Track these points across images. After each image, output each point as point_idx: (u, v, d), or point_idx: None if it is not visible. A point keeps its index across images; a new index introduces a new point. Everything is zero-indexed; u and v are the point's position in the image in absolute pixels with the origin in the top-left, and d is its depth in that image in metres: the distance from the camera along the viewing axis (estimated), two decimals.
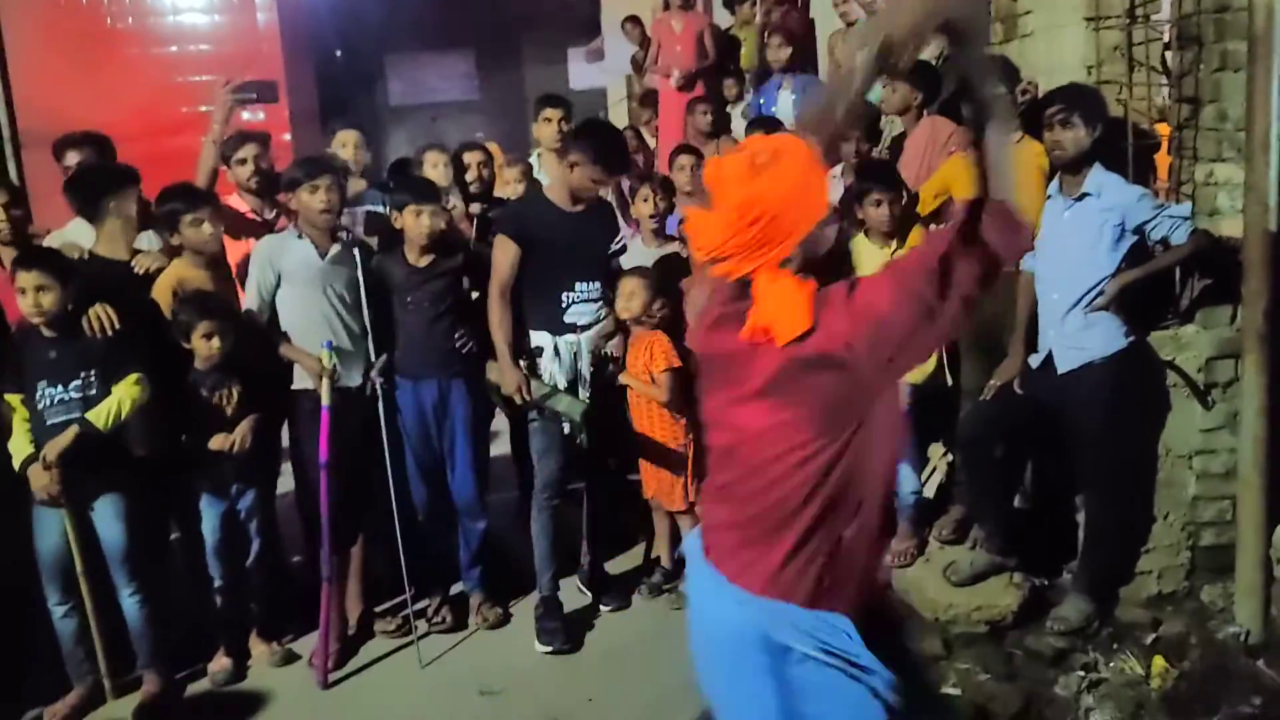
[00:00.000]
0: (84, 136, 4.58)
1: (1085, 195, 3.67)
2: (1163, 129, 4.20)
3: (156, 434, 3.73)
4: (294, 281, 3.90)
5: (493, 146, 5.60)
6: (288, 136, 9.23)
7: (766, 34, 7.53)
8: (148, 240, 4.09)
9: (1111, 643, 3.67)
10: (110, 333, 3.57)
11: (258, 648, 3.99)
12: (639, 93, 9.09)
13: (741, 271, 1.97)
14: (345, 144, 4.69)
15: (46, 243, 4.05)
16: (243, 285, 4.04)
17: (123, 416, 3.53)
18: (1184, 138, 3.93)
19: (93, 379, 3.55)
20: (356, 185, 4.59)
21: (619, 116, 10.48)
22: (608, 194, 5.39)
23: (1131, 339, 3.71)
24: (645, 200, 4.62)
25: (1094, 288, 3.65)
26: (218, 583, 3.85)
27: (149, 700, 3.68)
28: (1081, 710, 3.40)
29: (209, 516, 3.81)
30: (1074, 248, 3.68)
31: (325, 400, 3.77)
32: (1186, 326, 3.87)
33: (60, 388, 3.52)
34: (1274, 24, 3.36)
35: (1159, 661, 3.54)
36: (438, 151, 4.80)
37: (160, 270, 3.89)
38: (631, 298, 4.13)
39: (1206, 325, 3.84)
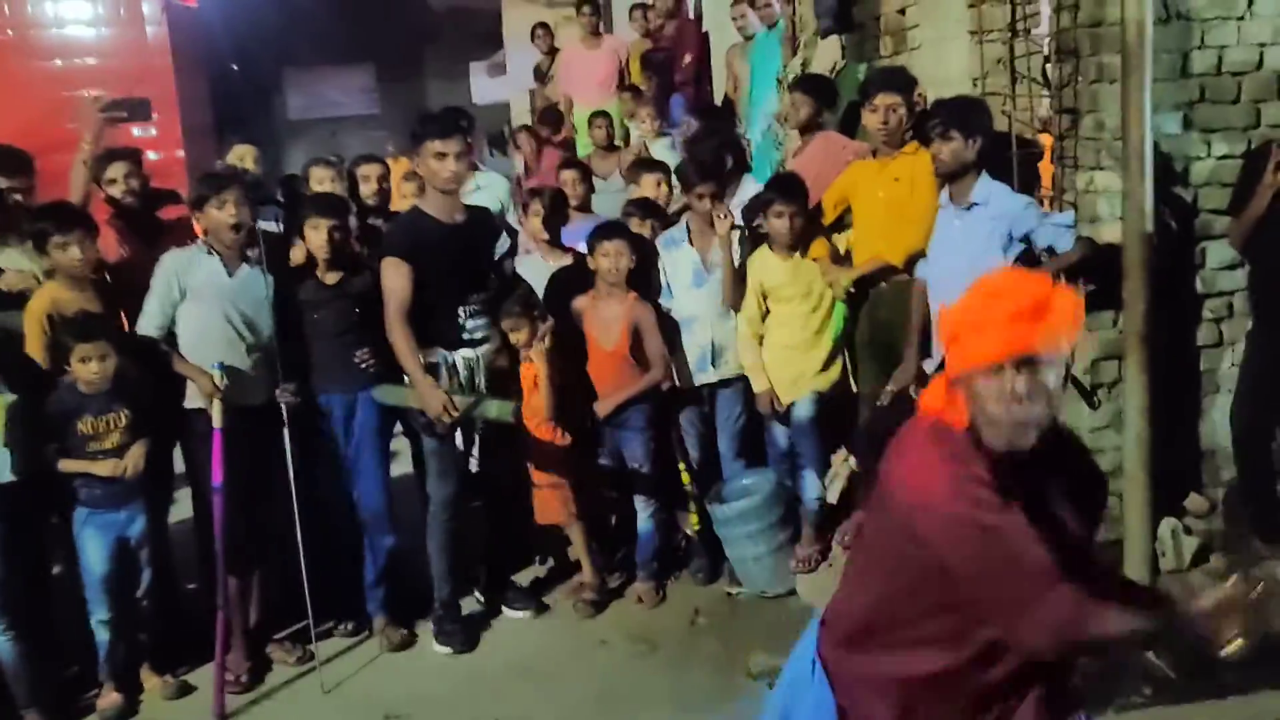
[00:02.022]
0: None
1: (974, 204, 3.76)
2: (1045, 139, 4.34)
3: (29, 458, 3.55)
4: (199, 298, 3.80)
5: (403, 161, 5.53)
6: (180, 153, 9.01)
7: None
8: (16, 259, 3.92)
9: None
10: None
11: (150, 681, 3.85)
12: (540, 106, 9.07)
13: None
14: (242, 158, 4.60)
15: None
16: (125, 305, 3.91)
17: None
18: (1065, 147, 4.06)
19: None
20: None
21: None
22: (510, 208, 5.41)
23: None
24: (536, 214, 4.61)
25: None
26: (106, 615, 3.69)
27: None
28: None
29: (95, 547, 3.65)
30: (964, 255, 3.76)
31: (217, 422, 3.67)
32: None
33: None
34: (1145, 38, 3.49)
35: None
36: (323, 167, 4.73)
37: (24, 291, 3.74)
38: (517, 330, 4.14)
39: (1091, 328, 3.96)
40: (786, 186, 4.31)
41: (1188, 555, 3.98)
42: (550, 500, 4.33)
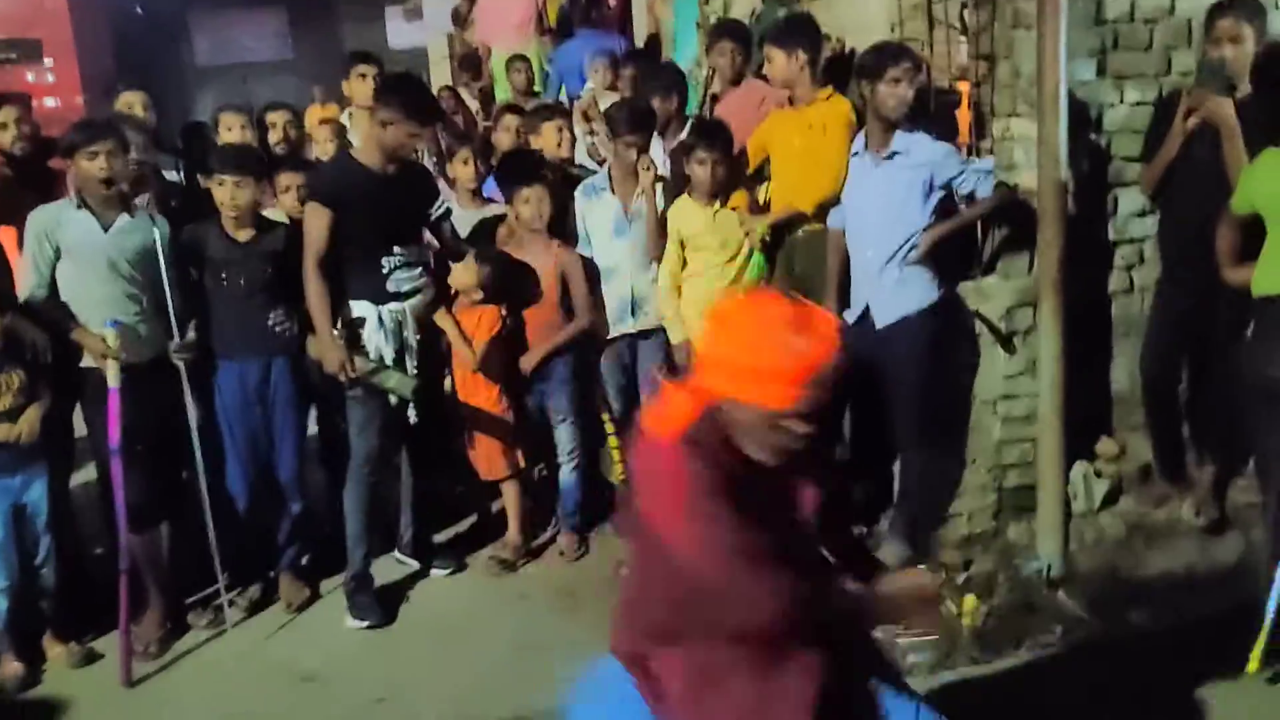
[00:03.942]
0: None
1: (895, 153, 3.73)
2: (962, 86, 4.32)
3: None
4: (74, 256, 3.61)
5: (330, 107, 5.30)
6: (79, 99, 8.66)
7: None
8: None
9: None
10: None
11: (53, 649, 3.71)
12: (460, 52, 8.84)
13: None
14: (130, 106, 4.39)
15: None
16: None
17: None
18: (982, 94, 4.06)
19: None
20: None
21: (440, 76, 10.19)
22: (423, 154, 5.25)
23: (942, 291, 3.82)
24: (465, 162, 4.48)
25: (906, 242, 3.73)
26: (3, 583, 3.54)
27: None
28: (900, 652, 3.51)
29: None
30: (885, 205, 3.75)
31: (112, 382, 3.51)
32: (989, 277, 4.02)
33: None
34: None
35: (970, 599, 3.69)
36: (233, 113, 4.54)
37: None
38: (467, 276, 4.06)
39: (1007, 276, 3.99)
40: (710, 133, 4.23)
41: (1098, 498, 4.07)
42: (494, 456, 4.26)
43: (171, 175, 4.32)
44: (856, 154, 3.85)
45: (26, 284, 3.61)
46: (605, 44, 6.51)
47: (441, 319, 4.06)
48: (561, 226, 4.35)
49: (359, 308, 3.83)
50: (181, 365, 3.71)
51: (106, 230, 3.63)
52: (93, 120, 4.02)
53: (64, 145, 3.68)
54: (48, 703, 3.54)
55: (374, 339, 3.84)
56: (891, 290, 3.76)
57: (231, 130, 4.48)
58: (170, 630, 3.86)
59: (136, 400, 3.61)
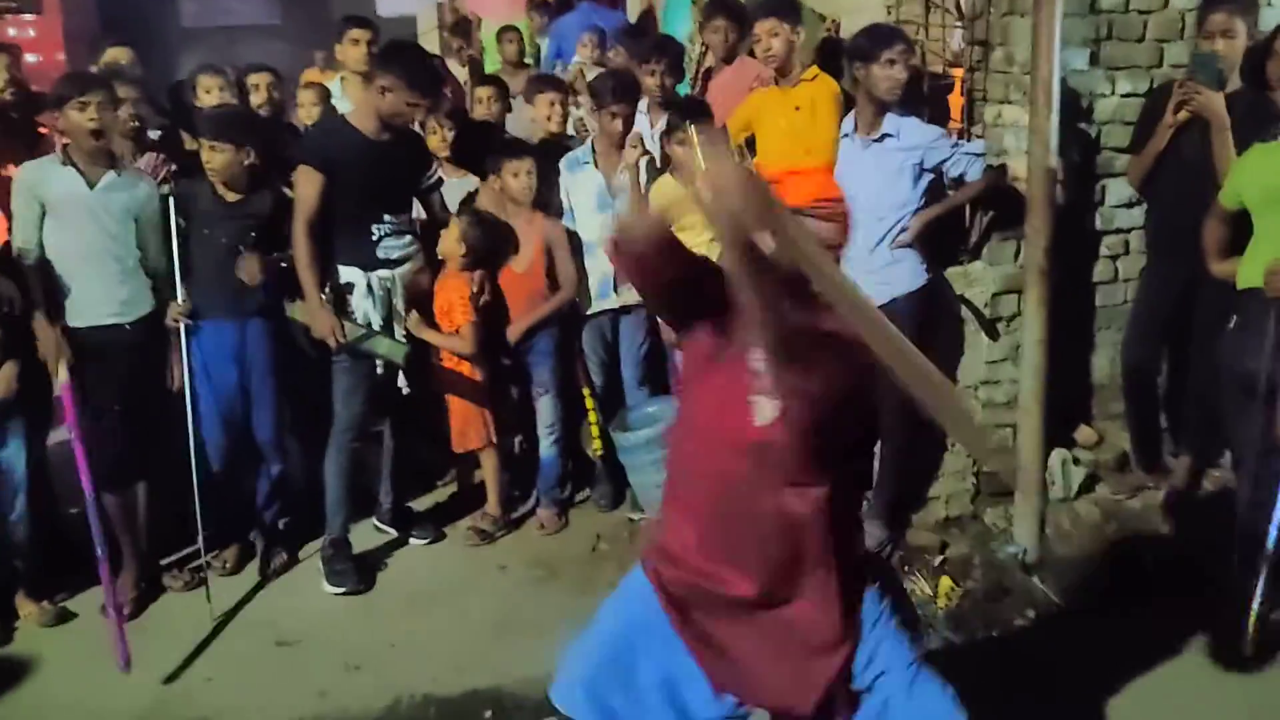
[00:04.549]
0: None
1: (885, 136, 3.73)
2: (956, 72, 4.33)
3: None
4: (60, 214, 3.56)
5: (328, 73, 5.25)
6: (61, 55, 8.54)
7: None
8: None
9: (903, 566, 3.83)
10: None
11: (25, 608, 3.69)
12: (450, 20, 8.77)
13: None
14: (116, 61, 4.31)
15: None
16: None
17: None
18: (975, 80, 4.06)
19: None
20: None
21: (429, 46, 10.10)
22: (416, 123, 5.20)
23: (930, 275, 3.83)
24: (434, 132, 4.45)
25: (896, 225, 3.73)
26: None
27: None
28: None
29: None
30: (875, 186, 3.74)
31: (62, 377, 3.48)
32: (975, 263, 4.04)
33: None
34: None
35: (945, 581, 3.72)
36: (211, 75, 4.45)
37: None
38: (452, 239, 4.03)
39: (993, 262, 4.01)
40: (692, 112, 4.20)
41: (1075, 485, 4.11)
42: (469, 426, 4.25)
43: (152, 135, 4.24)
44: (846, 135, 3.85)
45: (15, 239, 3.56)
46: (603, 18, 6.47)
47: (418, 329, 4.03)
48: (546, 199, 4.33)
49: (347, 274, 3.80)
50: (182, 326, 3.69)
51: (92, 187, 3.59)
52: (83, 72, 3.96)
53: (53, 97, 3.62)
54: (19, 661, 3.51)
55: (362, 305, 3.82)
56: (880, 273, 3.76)
57: (210, 93, 4.42)
58: (145, 591, 3.84)
59: (118, 359, 3.58)
